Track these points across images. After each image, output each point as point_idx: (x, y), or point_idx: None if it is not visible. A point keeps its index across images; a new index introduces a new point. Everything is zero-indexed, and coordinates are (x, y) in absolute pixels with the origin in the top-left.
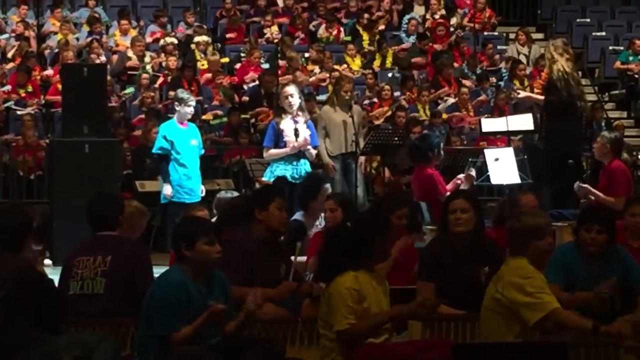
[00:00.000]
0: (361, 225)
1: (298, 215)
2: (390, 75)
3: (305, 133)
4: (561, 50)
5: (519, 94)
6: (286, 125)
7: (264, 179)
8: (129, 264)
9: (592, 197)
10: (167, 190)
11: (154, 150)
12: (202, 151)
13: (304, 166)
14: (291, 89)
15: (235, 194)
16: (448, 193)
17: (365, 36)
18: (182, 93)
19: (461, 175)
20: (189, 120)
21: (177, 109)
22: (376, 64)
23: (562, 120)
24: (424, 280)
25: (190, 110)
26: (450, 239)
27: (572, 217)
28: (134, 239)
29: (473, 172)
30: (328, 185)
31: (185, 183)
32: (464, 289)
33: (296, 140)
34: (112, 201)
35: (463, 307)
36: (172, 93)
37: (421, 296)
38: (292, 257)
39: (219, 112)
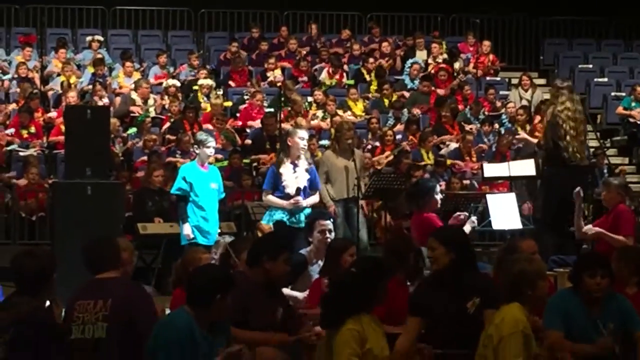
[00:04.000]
0: (365, 270)
1: (304, 250)
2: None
3: (304, 178)
4: (558, 93)
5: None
6: (285, 170)
7: (263, 222)
8: (130, 307)
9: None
10: (186, 230)
11: (172, 191)
12: (223, 195)
13: (303, 211)
14: (304, 133)
15: (230, 238)
16: None
17: (374, 82)
18: (201, 135)
19: (462, 215)
20: (211, 163)
21: (196, 151)
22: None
23: (556, 167)
24: (411, 316)
25: (209, 151)
26: (433, 277)
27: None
28: (136, 282)
29: (474, 219)
30: (327, 222)
31: (203, 225)
32: (451, 323)
33: (296, 194)
34: (106, 244)
35: (453, 340)
36: (170, 137)
37: (407, 331)
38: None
39: (219, 156)
